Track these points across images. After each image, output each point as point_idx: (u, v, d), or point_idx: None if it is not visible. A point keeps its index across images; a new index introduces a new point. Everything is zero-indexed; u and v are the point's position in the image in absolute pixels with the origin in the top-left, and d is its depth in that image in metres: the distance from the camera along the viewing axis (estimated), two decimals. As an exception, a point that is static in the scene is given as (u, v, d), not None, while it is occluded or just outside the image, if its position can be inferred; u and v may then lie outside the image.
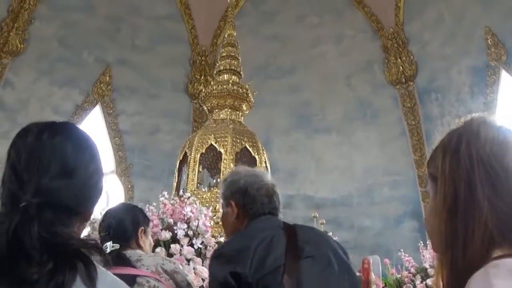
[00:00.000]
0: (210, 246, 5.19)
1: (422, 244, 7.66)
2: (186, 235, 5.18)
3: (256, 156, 7.77)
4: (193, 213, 5.42)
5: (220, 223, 6.95)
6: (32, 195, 1.20)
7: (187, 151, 7.92)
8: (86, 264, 1.20)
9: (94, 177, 1.36)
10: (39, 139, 1.28)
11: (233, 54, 8.78)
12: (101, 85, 11.86)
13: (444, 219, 1.28)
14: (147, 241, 3.22)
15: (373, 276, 6.82)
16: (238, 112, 8.37)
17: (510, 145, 1.27)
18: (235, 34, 9.10)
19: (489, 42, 10.00)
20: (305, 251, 2.45)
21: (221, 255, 2.53)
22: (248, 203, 2.75)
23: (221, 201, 2.90)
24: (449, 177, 1.29)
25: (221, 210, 3.02)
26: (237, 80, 8.56)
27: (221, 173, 7.58)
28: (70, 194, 1.27)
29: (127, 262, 2.85)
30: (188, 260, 4.86)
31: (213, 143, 7.70)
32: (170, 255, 4.76)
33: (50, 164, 1.25)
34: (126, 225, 3.11)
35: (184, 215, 5.48)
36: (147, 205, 5.23)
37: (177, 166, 8.06)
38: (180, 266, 3.17)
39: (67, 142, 1.32)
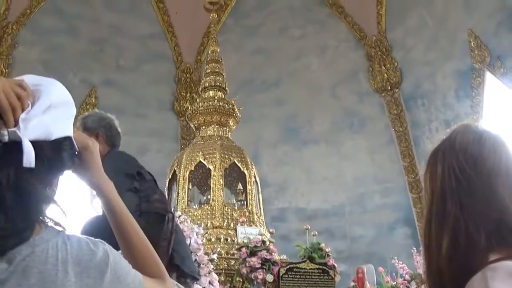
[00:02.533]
0: (203, 264, 5.17)
1: (416, 250, 7.67)
2: (179, 253, 5.14)
3: (245, 171, 7.77)
4: (184, 231, 5.40)
5: (213, 239, 6.96)
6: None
7: (176, 169, 7.91)
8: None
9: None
10: None
11: (218, 70, 8.81)
12: (88, 106, 11.77)
13: (423, 228, 1.33)
14: None
15: (367, 285, 6.82)
16: (225, 128, 8.38)
17: (487, 147, 1.29)
18: (218, 50, 9.14)
19: (473, 45, 10.01)
20: None
21: (126, 163, 3.58)
22: (111, 136, 3.75)
23: (81, 128, 3.61)
24: (428, 189, 1.33)
25: None
26: (223, 96, 8.59)
27: (211, 190, 7.58)
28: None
29: None
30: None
31: (202, 160, 7.70)
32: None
33: None
34: None
35: (175, 234, 5.45)
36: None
37: (167, 185, 8.04)
38: None
39: None
